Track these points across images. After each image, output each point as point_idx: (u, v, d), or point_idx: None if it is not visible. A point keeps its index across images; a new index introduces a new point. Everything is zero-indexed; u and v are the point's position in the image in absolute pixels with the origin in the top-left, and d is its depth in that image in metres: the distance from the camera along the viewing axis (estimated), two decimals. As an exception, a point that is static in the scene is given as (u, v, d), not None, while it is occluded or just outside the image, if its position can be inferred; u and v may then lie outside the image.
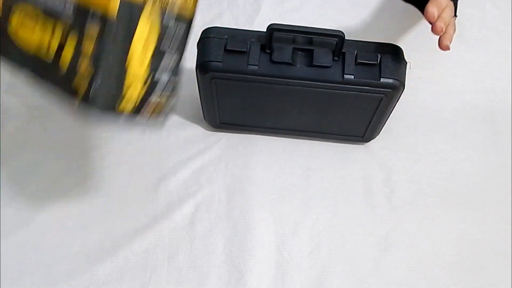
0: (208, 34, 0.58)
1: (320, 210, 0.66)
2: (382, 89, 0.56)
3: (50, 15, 0.39)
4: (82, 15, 0.38)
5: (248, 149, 0.70)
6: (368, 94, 0.58)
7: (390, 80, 0.56)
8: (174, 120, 0.72)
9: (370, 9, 0.81)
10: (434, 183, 0.68)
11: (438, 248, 0.64)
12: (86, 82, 0.38)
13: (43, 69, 0.41)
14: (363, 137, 0.69)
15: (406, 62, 0.57)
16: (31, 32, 0.40)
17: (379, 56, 0.56)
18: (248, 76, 0.57)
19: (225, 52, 0.56)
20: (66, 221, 0.64)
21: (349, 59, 0.56)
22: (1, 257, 0.61)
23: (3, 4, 0.41)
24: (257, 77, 0.57)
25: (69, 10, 0.38)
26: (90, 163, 0.68)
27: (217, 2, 0.80)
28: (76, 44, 0.38)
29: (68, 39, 0.39)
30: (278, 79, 0.57)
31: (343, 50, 0.56)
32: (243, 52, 0.56)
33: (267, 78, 0.57)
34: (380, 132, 0.69)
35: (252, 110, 0.66)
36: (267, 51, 0.56)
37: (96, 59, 0.38)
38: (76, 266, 0.61)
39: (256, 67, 0.56)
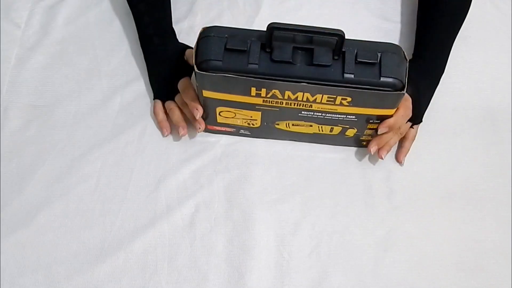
0: (208, 33, 0.57)
1: (320, 210, 0.66)
2: (382, 88, 0.56)
3: None
4: None
5: (248, 150, 0.70)
6: (368, 93, 0.58)
7: (390, 79, 0.56)
8: (174, 120, 0.72)
9: (370, 9, 0.81)
10: (434, 183, 0.68)
11: (438, 248, 0.64)
12: None
13: None
14: (363, 137, 0.69)
15: (407, 61, 0.57)
16: None
17: (379, 55, 0.56)
18: (248, 75, 0.57)
19: (225, 51, 0.56)
20: (66, 221, 0.64)
21: (349, 58, 0.56)
22: (1, 257, 0.61)
23: None
24: (257, 75, 0.57)
25: None
26: (90, 162, 0.68)
27: (217, 2, 0.80)
28: None
29: None
30: (278, 78, 0.57)
31: (343, 49, 0.55)
32: (243, 51, 0.56)
33: (267, 77, 0.56)
34: (380, 132, 0.69)
35: (252, 110, 0.66)
36: (267, 50, 0.56)
37: None
38: (76, 266, 0.61)
39: (257, 66, 0.56)
